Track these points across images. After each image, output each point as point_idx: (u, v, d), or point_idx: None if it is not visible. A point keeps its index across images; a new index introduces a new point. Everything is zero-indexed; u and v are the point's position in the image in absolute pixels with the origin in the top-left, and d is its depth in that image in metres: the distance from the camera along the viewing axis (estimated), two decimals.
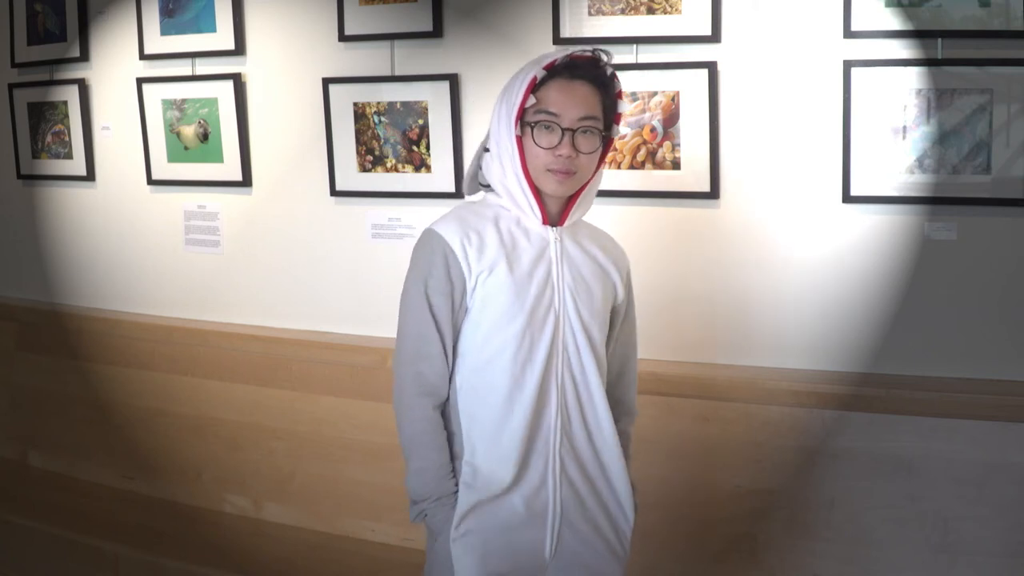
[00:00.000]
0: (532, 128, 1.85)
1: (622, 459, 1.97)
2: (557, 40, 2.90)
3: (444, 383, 1.91)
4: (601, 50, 1.90)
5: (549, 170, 1.85)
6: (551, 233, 1.91)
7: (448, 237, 1.86)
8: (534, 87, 1.85)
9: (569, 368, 1.90)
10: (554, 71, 1.86)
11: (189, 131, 3.53)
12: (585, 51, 1.89)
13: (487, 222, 1.90)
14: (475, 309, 1.88)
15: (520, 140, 1.86)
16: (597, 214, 3.06)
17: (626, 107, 1.94)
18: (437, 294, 1.87)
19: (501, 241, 1.88)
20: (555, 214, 1.92)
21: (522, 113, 1.86)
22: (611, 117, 1.92)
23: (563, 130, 1.84)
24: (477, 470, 1.88)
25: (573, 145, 1.84)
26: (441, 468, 1.89)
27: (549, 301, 1.89)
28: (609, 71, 1.89)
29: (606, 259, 1.98)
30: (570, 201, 1.92)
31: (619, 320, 2.03)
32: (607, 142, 1.92)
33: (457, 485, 1.89)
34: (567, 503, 1.91)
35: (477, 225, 1.89)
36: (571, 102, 1.85)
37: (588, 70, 1.88)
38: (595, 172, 1.92)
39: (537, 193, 1.88)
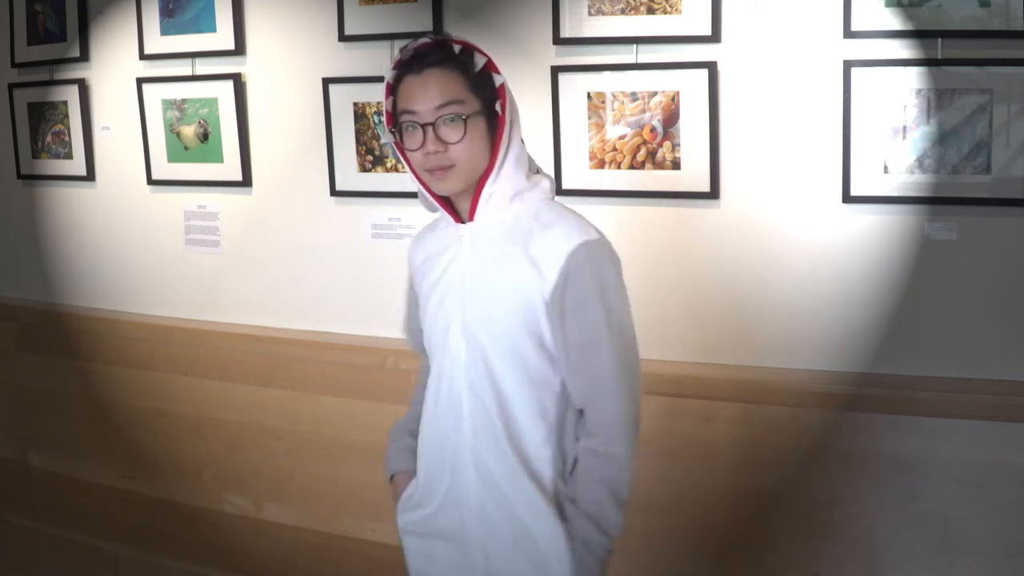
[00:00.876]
0: (401, 132, 1.75)
1: (540, 494, 1.74)
2: (557, 40, 2.90)
3: None
4: (439, 37, 1.76)
5: (427, 170, 1.74)
6: (459, 231, 1.80)
7: (409, 250, 1.94)
8: (392, 91, 1.76)
9: (469, 380, 1.76)
10: (403, 69, 1.74)
11: (189, 131, 3.53)
12: (426, 39, 1.76)
13: (434, 229, 1.89)
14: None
15: (398, 144, 1.77)
16: (598, 214, 3.06)
17: (501, 77, 1.76)
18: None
19: (431, 248, 1.87)
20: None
21: (393, 120, 1.77)
22: (490, 94, 1.75)
23: (423, 126, 1.71)
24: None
25: (438, 138, 1.71)
26: None
27: (445, 305, 1.80)
28: (457, 48, 1.74)
29: (535, 248, 1.73)
30: (477, 194, 1.77)
31: (561, 319, 1.72)
32: (497, 121, 1.75)
33: None
34: (486, 547, 1.79)
35: (429, 235, 1.90)
36: (423, 93, 1.71)
37: (435, 55, 1.73)
38: (494, 157, 1.74)
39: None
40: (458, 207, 1.81)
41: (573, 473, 1.76)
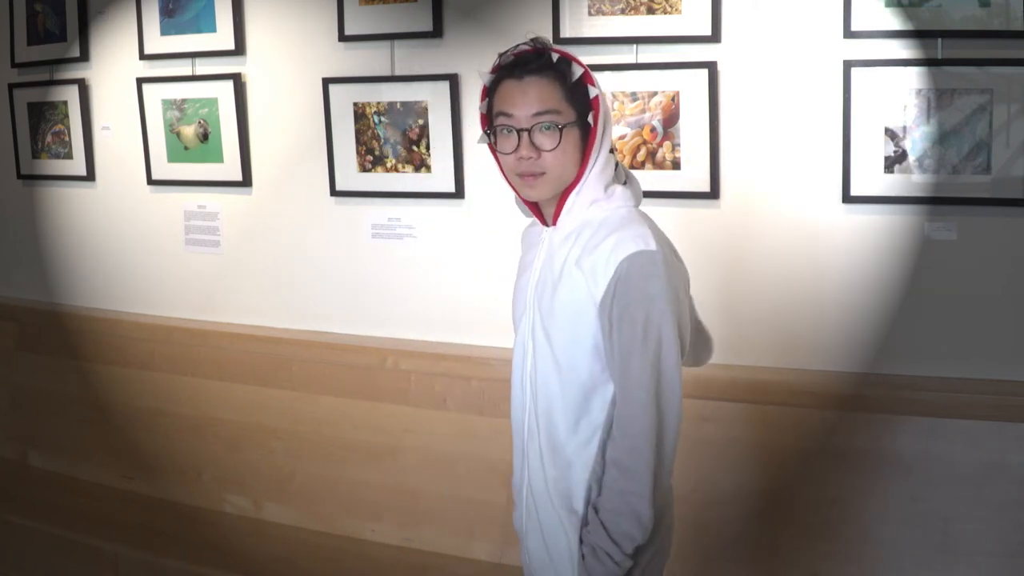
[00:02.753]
0: (496, 134, 1.78)
1: (566, 497, 1.79)
2: (557, 40, 2.90)
3: None
4: (539, 40, 1.79)
5: (518, 174, 1.77)
6: (542, 234, 1.87)
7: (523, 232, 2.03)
8: (488, 93, 1.80)
9: (533, 374, 1.83)
10: (502, 72, 1.77)
11: (189, 131, 3.53)
12: (526, 45, 1.78)
13: (536, 224, 1.93)
14: None
15: (493, 148, 1.81)
16: None
17: (597, 89, 1.78)
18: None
19: (530, 239, 1.95)
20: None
21: (488, 122, 1.81)
22: (584, 104, 1.77)
23: (519, 131, 1.74)
24: None
25: (533, 144, 1.73)
26: None
27: (521, 302, 1.89)
28: (556, 57, 1.75)
29: (593, 256, 1.76)
30: (562, 202, 1.81)
31: (609, 328, 1.74)
32: (589, 132, 1.77)
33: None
34: (530, 529, 1.88)
35: (532, 227, 1.96)
36: (521, 99, 1.74)
37: (535, 63, 1.75)
38: (584, 167, 1.78)
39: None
40: (544, 211, 1.86)
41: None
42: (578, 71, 1.76)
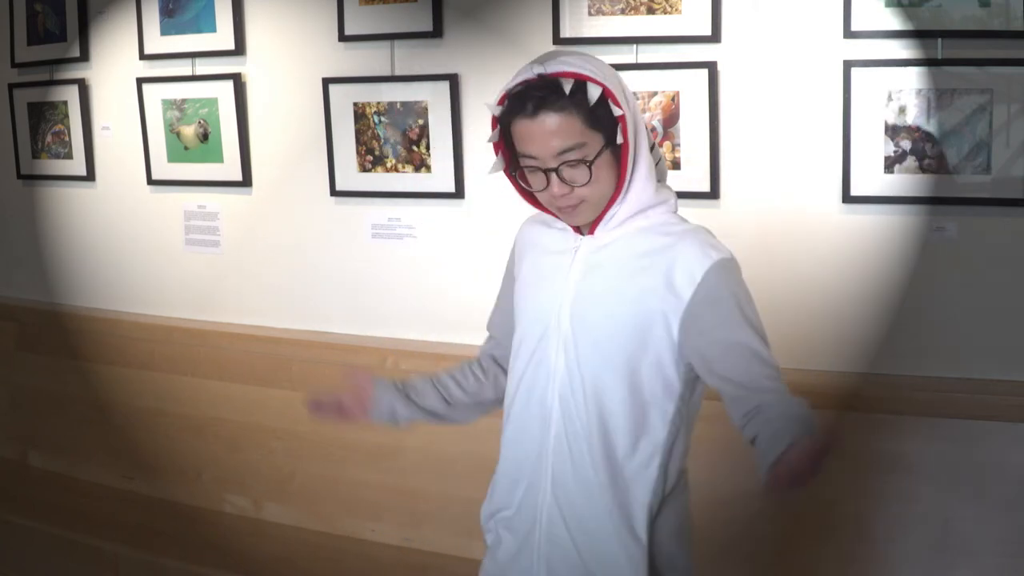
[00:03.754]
0: (523, 169, 1.68)
1: (623, 517, 1.69)
2: (557, 40, 2.90)
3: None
4: (546, 68, 1.63)
5: (556, 208, 1.69)
6: (575, 242, 1.74)
7: (521, 230, 1.92)
8: (500, 124, 1.69)
9: (563, 395, 1.70)
10: (513, 107, 1.64)
11: (189, 131, 3.53)
12: (532, 76, 1.63)
13: (550, 225, 1.81)
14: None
15: (511, 174, 1.72)
16: None
17: (622, 107, 1.64)
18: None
19: (542, 240, 1.81)
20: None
21: (509, 156, 1.70)
22: (611, 121, 1.64)
23: (545, 171, 1.63)
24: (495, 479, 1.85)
25: (563, 181, 1.63)
26: None
27: (544, 316, 1.74)
28: (569, 86, 1.60)
29: (666, 263, 1.65)
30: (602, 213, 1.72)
31: (697, 338, 1.65)
32: (621, 149, 1.65)
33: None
34: (551, 562, 1.74)
35: (541, 225, 1.84)
36: (542, 141, 1.61)
37: (548, 98, 1.61)
38: (622, 180, 1.66)
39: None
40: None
41: (756, 417, 1.67)
42: (596, 91, 1.61)
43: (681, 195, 2.79)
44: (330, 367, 3.24)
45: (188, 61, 3.49)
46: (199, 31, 3.45)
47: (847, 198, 2.66)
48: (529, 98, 1.62)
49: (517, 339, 1.80)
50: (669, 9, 2.78)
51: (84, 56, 3.72)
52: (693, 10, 2.75)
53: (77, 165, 3.81)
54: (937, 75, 2.54)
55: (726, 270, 1.66)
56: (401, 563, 2.98)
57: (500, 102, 1.67)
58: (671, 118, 2.81)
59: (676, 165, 2.82)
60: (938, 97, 2.55)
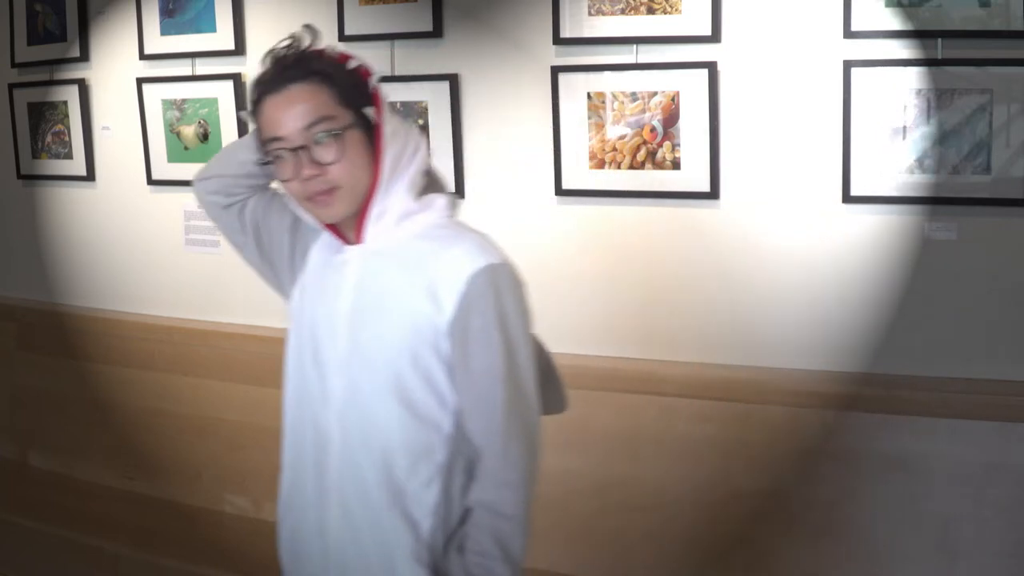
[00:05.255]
0: (275, 163, 1.57)
1: (410, 540, 1.57)
2: (557, 40, 2.90)
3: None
4: (296, 38, 1.60)
5: (307, 199, 1.56)
6: (344, 255, 1.63)
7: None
8: (256, 109, 1.58)
9: (341, 421, 1.61)
10: (262, 88, 1.57)
11: (189, 131, 3.53)
12: (281, 45, 1.59)
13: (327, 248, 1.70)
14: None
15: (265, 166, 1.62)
16: (598, 214, 3.06)
17: (376, 78, 1.59)
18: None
19: (319, 251, 1.70)
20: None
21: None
22: (364, 102, 1.56)
23: (293, 150, 1.53)
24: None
25: (313, 160, 1.53)
26: None
27: (317, 337, 1.64)
28: (319, 57, 1.57)
29: (431, 273, 1.56)
30: (363, 213, 1.60)
31: (459, 353, 1.55)
32: (374, 130, 1.57)
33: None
34: (341, 565, 1.65)
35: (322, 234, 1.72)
36: (288, 114, 1.53)
37: (294, 69, 1.55)
38: (377, 171, 1.57)
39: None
40: (343, 228, 1.64)
41: (463, 524, 1.60)
42: (350, 64, 1.58)
43: (681, 195, 2.84)
44: None
45: (188, 61, 3.49)
46: (199, 31, 3.45)
47: (847, 198, 2.66)
48: (276, 74, 1.57)
49: (293, 349, 1.72)
50: (669, 9, 2.78)
51: (84, 56, 3.71)
52: (693, 10, 2.75)
53: (77, 165, 3.81)
54: (937, 75, 2.54)
55: (493, 276, 1.55)
56: None
57: (258, 81, 1.59)
58: (671, 118, 2.81)
59: (676, 165, 2.82)
60: (938, 97, 2.55)
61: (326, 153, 1.54)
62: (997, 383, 2.56)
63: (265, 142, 1.58)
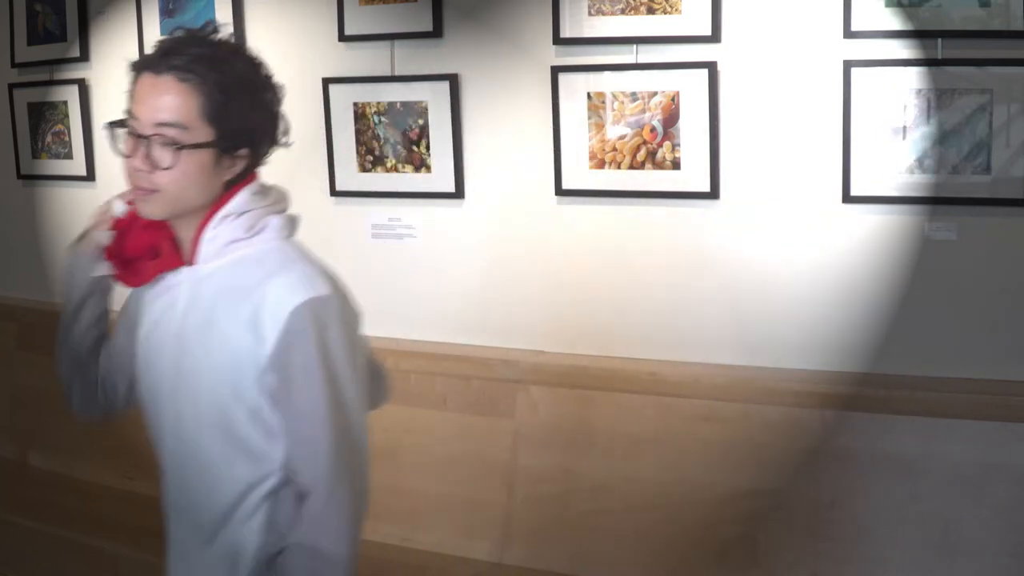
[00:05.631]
0: (122, 127, 1.50)
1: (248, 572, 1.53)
2: (557, 40, 2.90)
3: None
4: (205, 31, 1.51)
5: (132, 184, 1.51)
6: (177, 276, 1.56)
7: None
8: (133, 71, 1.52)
9: (171, 451, 1.57)
10: (149, 60, 1.51)
11: None
12: (203, 30, 1.52)
13: None
14: None
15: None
16: (598, 214, 3.06)
17: (279, 99, 1.54)
18: None
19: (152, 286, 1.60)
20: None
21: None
22: (239, 124, 1.47)
23: (139, 136, 1.47)
24: None
25: (148, 156, 1.46)
26: None
27: (152, 366, 1.57)
28: (215, 55, 1.46)
29: (254, 303, 1.47)
30: (199, 232, 1.52)
31: (282, 388, 1.47)
32: (250, 160, 1.52)
33: None
34: None
35: None
36: (147, 101, 1.46)
37: (181, 58, 1.45)
38: (225, 200, 1.50)
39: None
40: (179, 236, 1.55)
41: (278, 565, 1.54)
42: (250, 73, 1.50)
43: (681, 195, 2.84)
44: None
45: None
46: None
47: (847, 198, 2.66)
48: (165, 54, 1.48)
49: (139, 390, 1.66)
50: (669, 9, 2.78)
51: (84, 56, 3.71)
52: (693, 10, 2.75)
53: (77, 165, 3.80)
54: (937, 75, 2.54)
55: (315, 311, 1.47)
56: (401, 563, 2.97)
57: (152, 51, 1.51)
58: (671, 118, 2.81)
59: (676, 165, 2.82)
60: (938, 97, 2.55)
61: (162, 157, 1.47)
62: (997, 383, 2.56)
63: (127, 112, 1.52)
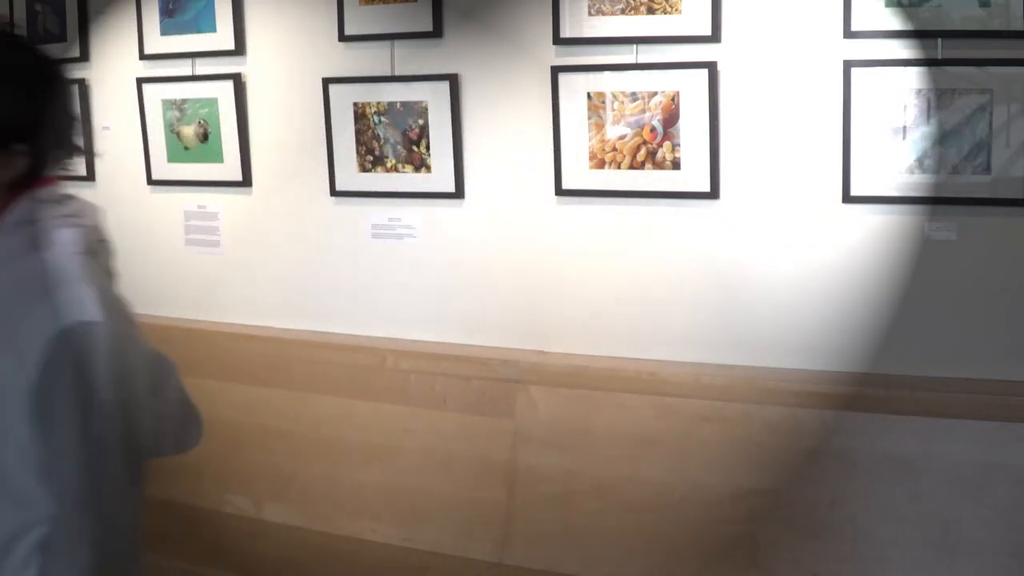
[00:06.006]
0: None
1: None
2: (557, 40, 2.90)
3: None
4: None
5: None
6: None
7: None
8: None
9: None
10: None
11: (189, 131, 3.53)
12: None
13: None
14: None
15: None
16: (598, 214, 3.07)
17: (63, 94, 1.42)
18: None
19: None
20: None
21: None
22: (21, 114, 1.36)
23: None
24: None
25: None
26: None
27: None
28: (31, 56, 1.35)
29: (22, 327, 1.32)
30: None
31: (43, 419, 1.30)
32: (32, 160, 1.40)
33: None
34: None
35: None
36: None
37: None
38: (3, 205, 1.37)
39: None
40: None
41: None
42: (44, 75, 1.38)
43: (681, 195, 2.84)
44: (330, 367, 3.24)
45: (188, 61, 3.48)
46: (199, 31, 3.45)
47: (847, 198, 2.66)
48: None
49: None
50: (669, 9, 2.78)
51: (84, 56, 3.71)
52: (693, 10, 2.75)
53: (77, 165, 3.80)
54: (937, 75, 2.54)
55: (78, 339, 1.31)
56: (401, 563, 2.97)
57: None
58: (671, 118, 2.81)
59: (676, 165, 2.82)
60: (938, 97, 2.55)
61: None
62: (997, 383, 2.56)
63: None
